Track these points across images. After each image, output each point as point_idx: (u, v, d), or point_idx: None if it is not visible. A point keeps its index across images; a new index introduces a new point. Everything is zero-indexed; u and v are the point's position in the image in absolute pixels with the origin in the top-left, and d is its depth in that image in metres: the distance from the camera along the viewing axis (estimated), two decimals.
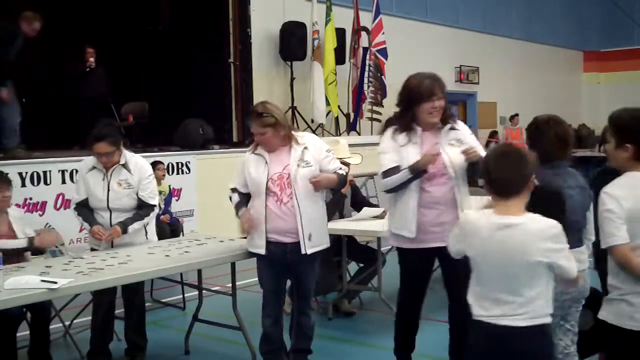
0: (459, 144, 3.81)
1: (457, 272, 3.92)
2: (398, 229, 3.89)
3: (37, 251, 4.50)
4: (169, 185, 7.17)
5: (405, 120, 3.84)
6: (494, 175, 2.66)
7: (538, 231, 2.59)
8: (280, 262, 4.08)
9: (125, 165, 4.54)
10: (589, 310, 3.43)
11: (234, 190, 4.21)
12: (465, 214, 2.77)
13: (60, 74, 10.03)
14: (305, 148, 4.04)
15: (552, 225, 2.62)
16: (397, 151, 3.82)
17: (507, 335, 2.62)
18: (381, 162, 3.87)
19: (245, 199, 4.18)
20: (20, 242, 4.35)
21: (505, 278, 2.61)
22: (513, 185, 2.64)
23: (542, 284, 2.62)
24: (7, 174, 4.79)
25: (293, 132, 4.10)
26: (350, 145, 6.08)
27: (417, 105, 3.78)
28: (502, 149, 2.83)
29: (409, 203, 3.81)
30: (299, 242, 3.99)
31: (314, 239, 4.02)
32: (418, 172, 3.73)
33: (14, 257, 4.36)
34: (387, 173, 3.81)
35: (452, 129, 3.88)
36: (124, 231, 4.47)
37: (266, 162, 4.03)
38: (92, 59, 9.45)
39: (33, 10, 7.40)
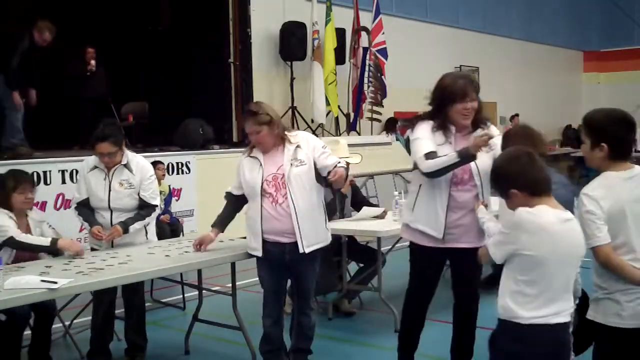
0: (488, 149, 3.69)
1: (466, 272, 3.95)
2: (422, 225, 3.84)
3: (57, 253, 4.48)
4: (169, 185, 7.18)
5: (440, 119, 3.76)
6: (537, 175, 2.72)
7: (579, 225, 2.71)
8: (279, 262, 4.08)
9: (127, 166, 4.55)
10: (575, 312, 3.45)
11: (227, 195, 4.26)
12: (519, 213, 2.68)
13: (61, 74, 10.03)
14: (298, 147, 4.03)
15: None
16: (435, 145, 3.73)
17: (561, 331, 2.64)
18: (418, 146, 3.73)
19: (236, 204, 4.23)
20: (43, 241, 4.31)
21: (566, 273, 2.65)
22: (550, 182, 2.75)
23: None
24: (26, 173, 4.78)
25: (286, 132, 4.10)
26: (350, 145, 6.09)
27: (450, 105, 3.70)
28: (522, 151, 2.85)
29: (438, 203, 3.76)
30: (297, 242, 3.99)
31: (312, 237, 4.02)
32: (466, 157, 3.57)
33: (27, 254, 4.36)
34: (430, 155, 3.66)
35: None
36: (125, 231, 4.47)
37: (260, 164, 4.03)
38: (92, 60, 9.46)
39: (34, 10, 7.41)
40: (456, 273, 4.03)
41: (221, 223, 4.34)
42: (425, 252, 3.88)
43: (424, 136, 3.75)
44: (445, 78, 3.79)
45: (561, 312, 2.65)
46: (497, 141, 3.70)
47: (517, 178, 2.72)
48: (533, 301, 2.63)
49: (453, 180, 3.73)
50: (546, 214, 2.65)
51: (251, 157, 4.10)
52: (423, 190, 3.82)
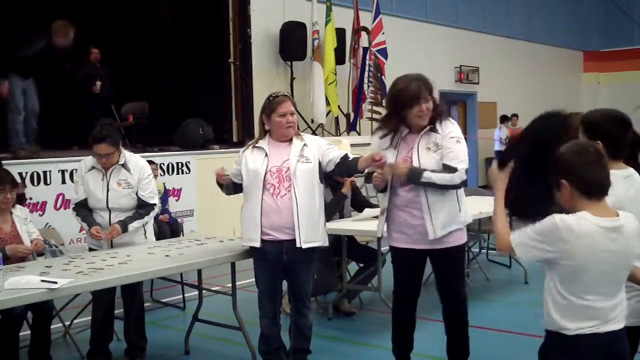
0: (435, 148, 3.81)
1: (443, 272, 3.96)
2: (383, 224, 4.05)
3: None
4: (164, 184, 7.16)
5: (394, 124, 3.89)
6: (594, 177, 2.50)
7: (636, 231, 2.55)
8: (276, 262, 4.07)
9: (124, 165, 4.55)
10: None
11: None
12: (554, 221, 2.50)
13: (62, 74, 10.02)
14: (305, 145, 4.07)
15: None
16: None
17: (615, 340, 2.52)
18: None
19: (234, 187, 4.22)
20: None
21: (610, 282, 2.50)
22: (607, 187, 2.54)
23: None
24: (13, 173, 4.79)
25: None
26: (351, 146, 6.09)
27: (407, 109, 3.80)
28: (591, 146, 2.60)
29: (384, 204, 3.98)
30: (295, 240, 3.99)
31: (310, 234, 4.01)
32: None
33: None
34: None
35: (432, 130, 3.85)
36: (124, 230, 4.47)
37: (266, 154, 4.04)
38: (97, 60, 9.47)
39: (34, 8, 7.42)
40: (436, 274, 4.09)
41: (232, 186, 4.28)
42: (397, 252, 4.00)
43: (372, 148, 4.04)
44: (398, 82, 3.89)
45: (612, 319, 2.50)
46: (445, 142, 3.82)
47: (574, 171, 2.50)
48: (578, 311, 2.48)
49: (392, 183, 3.89)
50: (585, 222, 2.46)
51: (256, 147, 4.11)
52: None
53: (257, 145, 4.11)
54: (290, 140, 4.08)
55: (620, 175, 2.80)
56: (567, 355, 2.51)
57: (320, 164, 4.06)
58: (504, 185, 2.78)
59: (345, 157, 4.05)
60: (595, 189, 2.50)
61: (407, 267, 3.99)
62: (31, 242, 4.54)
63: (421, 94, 3.76)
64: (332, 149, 4.12)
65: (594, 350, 2.49)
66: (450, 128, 3.89)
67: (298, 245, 3.97)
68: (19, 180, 6.15)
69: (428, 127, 3.84)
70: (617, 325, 2.52)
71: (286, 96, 4.12)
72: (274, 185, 3.99)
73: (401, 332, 4.09)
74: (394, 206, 3.92)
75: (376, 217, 5.63)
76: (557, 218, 2.48)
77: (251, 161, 4.06)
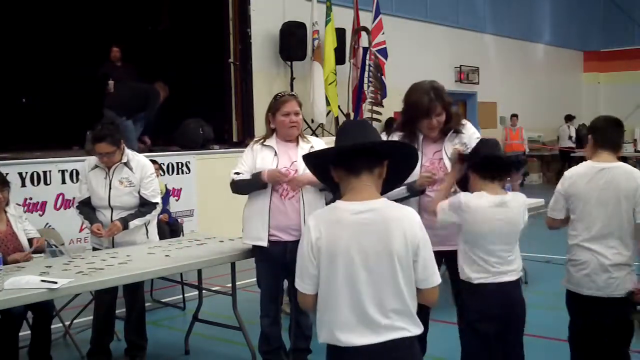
0: (464, 148, 3.62)
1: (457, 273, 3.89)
2: None
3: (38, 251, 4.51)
4: (165, 185, 7.16)
5: (408, 130, 3.70)
6: (489, 164, 3.31)
7: (521, 205, 3.37)
8: (280, 262, 4.07)
9: (127, 164, 4.56)
10: None
11: (237, 174, 4.12)
12: (459, 196, 3.31)
13: (79, 73, 10.00)
14: (312, 147, 4.09)
15: None
16: None
17: (511, 289, 3.36)
18: None
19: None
20: None
21: (504, 244, 3.29)
22: (505, 172, 3.41)
23: None
24: (6, 174, 4.78)
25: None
26: None
27: (418, 121, 3.64)
28: (494, 138, 3.47)
29: (414, 205, 3.59)
30: (299, 241, 3.97)
31: None
32: (415, 192, 3.58)
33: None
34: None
35: (457, 132, 3.69)
36: (125, 227, 4.48)
37: (275, 154, 4.05)
38: (116, 58, 9.50)
39: (35, 11, 7.44)
40: (452, 277, 3.85)
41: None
42: None
43: None
44: (412, 93, 3.68)
45: (507, 272, 3.25)
46: (473, 142, 3.62)
47: (477, 161, 3.31)
48: (480, 265, 3.25)
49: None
50: (479, 199, 3.24)
51: (265, 145, 4.11)
52: None
53: (265, 143, 4.11)
54: (297, 140, 4.09)
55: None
56: (474, 298, 3.29)
57: None
58: (457, 174, 3.46)
59: None
60: (488, 175, 3.28)
61: None
62: (29, 241, 4.54)
63: (432, 109, 3.58)
64: None
65: (493, 294, 3.24)
66: (472, 129, 3.77)
67: None
68: (18, 180, 6.18)
69: (452, 130, 3.69)
70: (512, 277, 3.28)
71: (292, 95, 4.18)
72: (283, 186, 4.00)
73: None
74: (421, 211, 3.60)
75: None
76: (462, 195, 3.31)
77: (260, 159, 4.06)
